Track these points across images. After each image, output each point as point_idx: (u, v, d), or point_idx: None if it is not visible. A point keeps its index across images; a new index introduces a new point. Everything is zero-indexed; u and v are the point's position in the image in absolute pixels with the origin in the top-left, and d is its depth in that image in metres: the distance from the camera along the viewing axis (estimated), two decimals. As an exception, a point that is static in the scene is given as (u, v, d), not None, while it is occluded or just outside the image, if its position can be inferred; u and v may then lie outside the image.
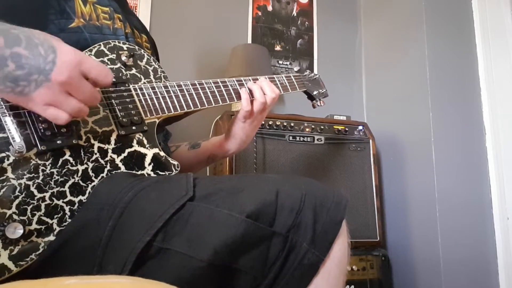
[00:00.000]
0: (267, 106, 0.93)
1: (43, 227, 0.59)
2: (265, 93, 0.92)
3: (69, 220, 0.61)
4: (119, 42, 0.79)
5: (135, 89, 0.75)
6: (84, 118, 0.66)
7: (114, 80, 0.73)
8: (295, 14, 2.29)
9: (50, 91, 0.55)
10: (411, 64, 1.92)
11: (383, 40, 2.18)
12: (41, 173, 0.60)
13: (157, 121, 0.77)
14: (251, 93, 0.92)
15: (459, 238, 1.68)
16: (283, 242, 0.62)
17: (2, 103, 0.58)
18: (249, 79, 0.95)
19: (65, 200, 0.61)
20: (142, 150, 0.72)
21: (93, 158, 0.66)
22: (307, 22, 2.30)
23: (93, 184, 0.64)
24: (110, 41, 0.78)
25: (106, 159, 0.67)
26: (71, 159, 0.63)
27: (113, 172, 0.67)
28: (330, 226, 0.65)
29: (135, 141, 0.72)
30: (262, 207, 0.61)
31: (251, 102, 0.91)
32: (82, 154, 0.65)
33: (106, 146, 0.68)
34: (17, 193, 0.58)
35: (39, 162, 0.60)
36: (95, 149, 0.66)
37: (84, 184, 0.64)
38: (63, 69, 0.55)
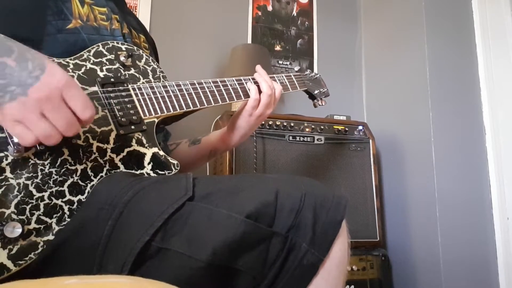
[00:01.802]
0: (274, 99, 0.94)
1: (42, 226, 0.59)
2: (270, 85, 0.94)
3: (68, 220, 0.61)
4: (117, 43, 0.79)
5: (133, 89, 0.75)
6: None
7: (112, 80, 0.74)
8: (295, 14, 2.29)
9: (23, 107, 0.52)
10: (411, 64, 1.92)
11: (383, 40, 2.17)
12: (39, 173, 0.60)
13: (156, 120, 0.77)
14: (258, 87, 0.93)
15: (459, 238, 1.68)
16: (283, 243, 0.61)
17: None
18: (249, 79, 0.95)
19: (64, 200, 0.61)
20: (141, 149, 0.72)
21: (92, 157, 0.66)
22: (307, 22, 2.30)
23: (92, 183, 0.64)
24: (108, 41, 0.78)
25: (105, 158, 0.67)
26: (70, 159, 0.63)
27: (112, 172, 0.67)
28: (330, 226, 0.64)
29: (134, 141, 0.72)
30: (262, 207, 0.61)
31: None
32: (81, 153, 0.65)
33: (105, 146, 0.68)
34: (15, 192, 0.57)
35: (38, 161, 0.60)
36: (94, 149, 0.66)
37: (83, 184, 0.64)
38: (44, 87, 0.53)
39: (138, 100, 0.75)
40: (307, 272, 0.62)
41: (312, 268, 0.62)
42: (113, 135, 0.69)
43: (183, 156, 1.00)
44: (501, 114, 1.82)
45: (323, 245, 0.63)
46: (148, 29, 1.89)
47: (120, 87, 0.74)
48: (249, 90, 0.92)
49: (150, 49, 0.99)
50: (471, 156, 1.79)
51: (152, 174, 0.72)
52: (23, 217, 0.57)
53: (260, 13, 2.21)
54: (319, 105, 1.20)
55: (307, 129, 1.71)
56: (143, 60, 0.82)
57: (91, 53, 0.75)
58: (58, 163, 0.62)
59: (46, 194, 0.60)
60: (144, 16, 1.95)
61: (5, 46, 0.53)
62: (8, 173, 0.57)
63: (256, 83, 0.94)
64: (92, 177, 0.65)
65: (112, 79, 0.74)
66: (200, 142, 1.04)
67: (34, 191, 0.59)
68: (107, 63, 0.76)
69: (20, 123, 0.53)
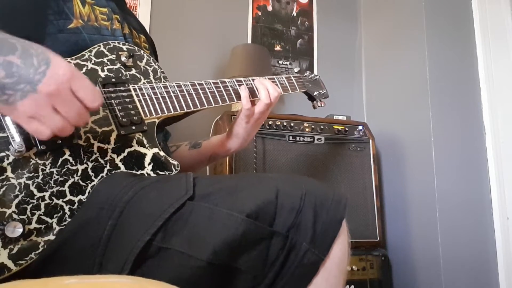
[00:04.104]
0: (270, 107, 0.94)
1: (42, 226, 0.59)
2: (270, 93, 0.92)
3: (69, 220, 0.61)
4: (118, 43, 0.79)
5: (134, 89, 0.75)
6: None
7: (113, 80, 0.74)
8: (295, 14, 2.29)
9: (35, 102, 0.53)
10: (411, 64, 1.92)
11: (383, 40, 2.18)
12: (40, 173, 0.60)
13: (157, 121, 0.77)
14: (253, 92, 0.92)
15: (459, 238, 1.68)
16: (283, 242, 0.62)
17: None
18: (249, 80, 0.95)
19: (64, 200, 0.61)
20: (141, 150, 0.72)
21: (93, 157, 0.66)
22: (307, 22, 2.31)
23: (93, 183, 0.64)
24: (109, 42, 0.78)
25: (106, 158, 0.67)
26: (70, 159, 0.63)
27: (113, 172, 0.67)
28: (330, 226, 0.64)
29: (134, 141, 0.72)
30: (262, 207, 0.61)
31: (253, 101, 0.91)
32: (81, 153, 0.65)
33: (105, 146, 0.68)
34: (16, 192, 0.58)
35: (39, 161, 0.60)
36: (95, 149, 0.67)
37: (84, 184, 0.64)
38: (52, 81, 0.53)
39: (139, 100, 0.75)
40: (307, 272, 0.62)
41: (313, 267, 0.63)
42: (114, 135, 0.69)
43: (183, 159, 1.00)
44: (501, 114, 1.82)
45: (323, 245, 0.64)
46: (148, 29, 1.90)
47: (121, 87, 0.74)
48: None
49: (150, 49, 0.99)
50: (471, 156, 1.79)
51: (152, 174, 0.72)
52: (24, 217, 0.57)
53: (260, 13, 2.21)
54: (318, 106, 1.20)
55: (307, 129, 1.71)
56: (144, 61, 0.82)
57: (93, 53, 0.75)
58: (59, 163, 0.62)
59: (47, 194, 0.60)
60: (144, 16, 1.95)
61: (8, 44, 0.54)
62: (9, 173, 0.58)
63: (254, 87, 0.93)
64: (92, 177, 0.65)
65: (113, 79, 0.74)
66: (201, 146, 1.04)
67: (35, 191, 0.59)
68: (108, 63, 0.76)
69: (34, 119, 0.54)
